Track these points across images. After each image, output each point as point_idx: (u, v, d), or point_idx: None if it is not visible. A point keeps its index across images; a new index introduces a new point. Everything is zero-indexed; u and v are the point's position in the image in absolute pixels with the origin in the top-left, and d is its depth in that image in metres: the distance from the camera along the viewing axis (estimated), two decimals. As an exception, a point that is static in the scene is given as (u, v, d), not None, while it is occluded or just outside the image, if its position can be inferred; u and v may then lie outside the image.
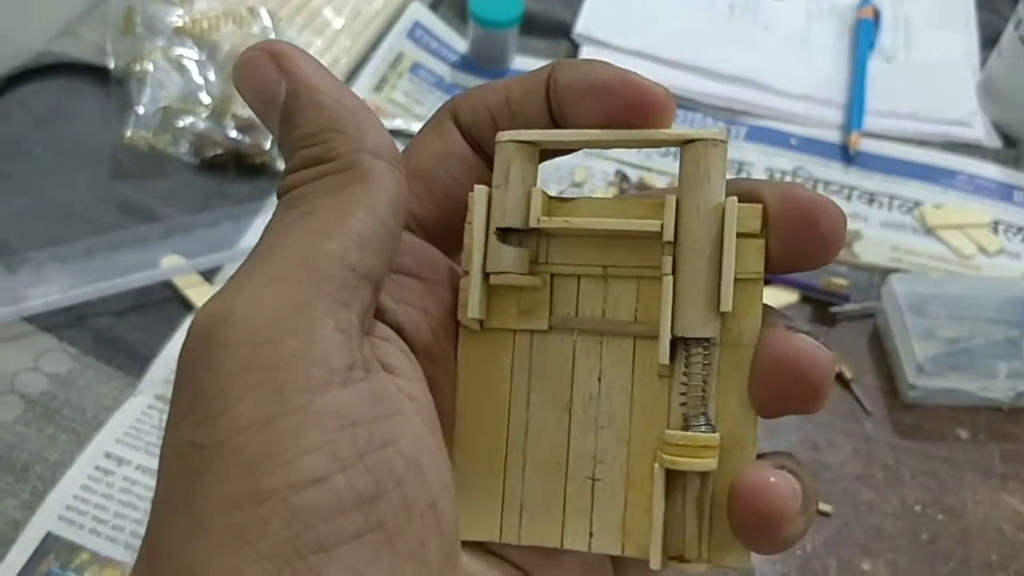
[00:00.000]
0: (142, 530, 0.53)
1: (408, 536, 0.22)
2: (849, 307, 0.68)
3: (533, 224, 0.26)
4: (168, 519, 0.21)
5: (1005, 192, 0.79)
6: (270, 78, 0.25)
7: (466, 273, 0.26)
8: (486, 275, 0.26)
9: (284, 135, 0.25)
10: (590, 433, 0.26)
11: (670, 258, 0.25)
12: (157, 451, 0.56)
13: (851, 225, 0.76)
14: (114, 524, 0.54)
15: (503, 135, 0.26)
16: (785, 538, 0.24)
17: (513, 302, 0.27)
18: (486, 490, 0.27)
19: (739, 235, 0.25)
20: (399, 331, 0.26)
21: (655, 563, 0.25)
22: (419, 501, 0.22)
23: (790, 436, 0.62)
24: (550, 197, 0.27)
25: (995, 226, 0.76)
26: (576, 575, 0.28)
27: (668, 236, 0.25)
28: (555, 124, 0.27)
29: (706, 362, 0.25)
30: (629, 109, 0.26)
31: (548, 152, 0.28)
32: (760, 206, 0.25)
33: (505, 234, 0.26)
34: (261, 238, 0.24)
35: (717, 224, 0.25)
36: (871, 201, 0.78)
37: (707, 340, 0.25)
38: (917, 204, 0.78)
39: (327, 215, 0.24)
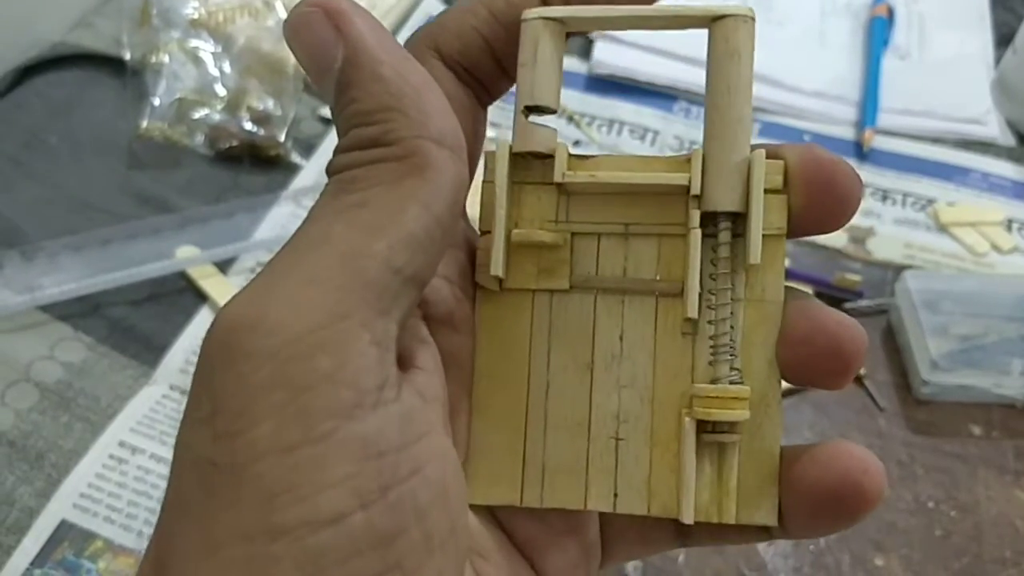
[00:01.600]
0: (155, 519, 0.54)
1: (426, 571, 0.21)
2: (862, 303, 0.68)
3: (558, 179, 0.25)
4: (180, 531, 0.20)
5: (1019, 190, 0.79)
6: (326, 40, 0.23)
7: (484, 232, 0.26)
8: (508, 234, 0.26)
9: (338, 106, 0.23)
10: (612, 393, 0.26)
11: (697, 212, 0.25)
12: (171, 440, 0.56)
13: (864, 222, 0.76)
14: (128, 512, 0.54)
15: (530, 12, 0.25)
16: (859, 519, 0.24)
17: (533, 261, 0.26)
18: (506, 453, 0.26)
19: (764, 191, 0.24)
20: (423, 304, 0.25)
21: (688, 518, 0.25)
22: (440, 531, 0.21)
23: (804, 432, 0.62)
24: (571, 155, 0.26)
25: (1009, 224, 0.76)
26: (573, 558, 0.28)
27: (695, 190, 0.25)
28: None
29: (733, 315, 0.25)
30: None
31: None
32: (782, 162, 0.25)
33: (526, 173, 0.26)
34: (307, 220, 0.23)
35: (743, 173, 0.24)
36: (884, 198, 0.78)
37: (735, 230, 0.25)
38: (931, 201, 0.78)
39: (379, 209, 0.22)
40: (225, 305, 0.21)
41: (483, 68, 0.26)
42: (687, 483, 0.25)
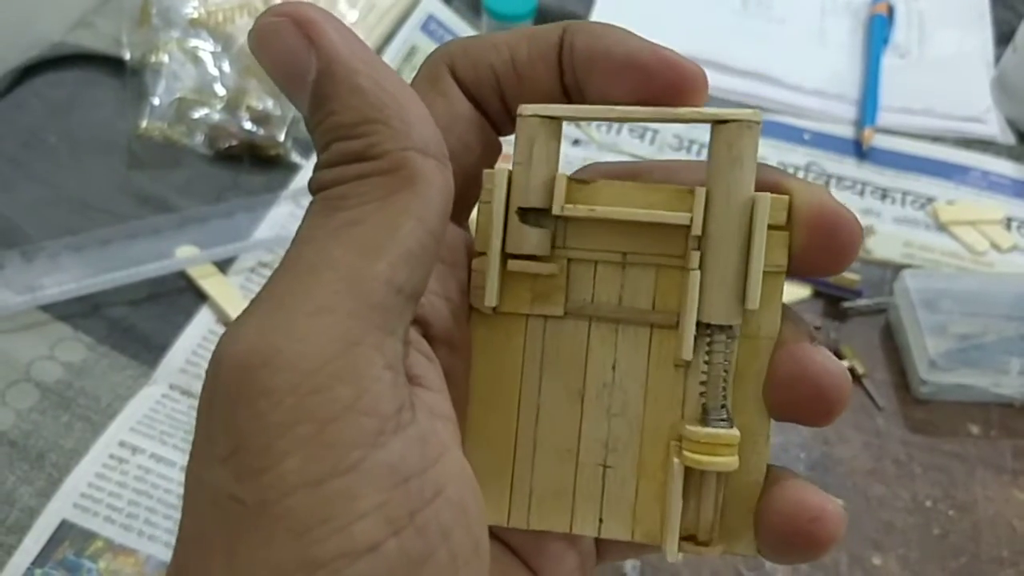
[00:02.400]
0: (156, 518, 0.54)
1: None
2: (861, 302, 0.68)
3: (557, 212, 0.25)
4: (205, 567, 0.20)
5: (1019, 188, 0.79)
6: (297, 50, 0.22)
7: (480, 254, 0.26)
8: (503, 259, 0.26)
9: (315, 119, 0.23)
10: (603, 420, 0.26)
11: (698, 253, 0.25)
12: (171, 440, 0.57)
13: (864, 221, 0.76)
14: (128, 512, 0.54)
15: (526, 109, 0.25)
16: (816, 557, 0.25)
17: (527, 287, 0.26)
18: (496, 474, 0.26)
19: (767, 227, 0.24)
20: (424, 324, 0.25)
21: (672, 556, 0.25)
22: (465, 549, 0.21)
23: (801, 431, 0.62)
24: (570, 179, 0.26)
25: (1008, 222, 0.76)
26: (570, 563, 0.28)
27: (697, 230, 0.25)
28: (567, 92, 0.26)
29: (727, 354, 0.25)
30: (662, 88, 0.25)
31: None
32: (787, 198, 0.25)
33: (525, 213, 0.26)
34: (299, 243, 0.22)
35: (746, 214, 0.24)
36: (884, 197, 0.78)
37: (730, 327, 0.25)
38: (930, 200, 0.78)
39: (374, 227, 0.21)
40: (230, 337, 0.21)
41: (491, 106, 0.26)
42: (672, 525, 0.25)
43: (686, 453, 0.25)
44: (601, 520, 0.26)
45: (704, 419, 0.25)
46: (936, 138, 0.82)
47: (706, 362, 0.25)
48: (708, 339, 0.25)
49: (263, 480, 0.19)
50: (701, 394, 0.25)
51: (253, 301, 0.22)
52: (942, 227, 0.76)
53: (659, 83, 0.25)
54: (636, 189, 0.26)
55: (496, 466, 0.26)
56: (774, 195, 0.24)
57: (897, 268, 0.70)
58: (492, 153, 0.27)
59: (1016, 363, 0.63)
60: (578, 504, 0.26)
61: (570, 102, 0.26)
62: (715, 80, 0.84)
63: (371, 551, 0.20)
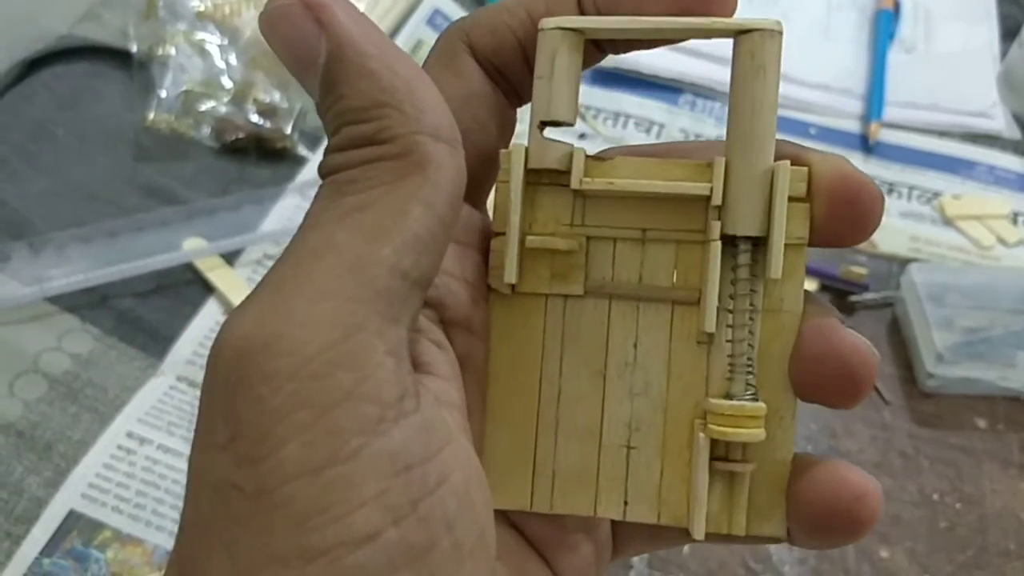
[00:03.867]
0: (163, 508, 0.54)
1: None
2: (868, 296, 0.68)
3: (575, 186, 0.25)
4: (206, 556, 0.20)
5: (1025, 183, 0.79)
6: (307, 34, 0.22)
7: (497, 234, 0.26)
8: (522, 238, 0.25)
9: (326, 103, 0.22)
10: (625, 400, 0.26)
11: (718, 223, 0.24)
12: (178, 431, 0.57)
13: (870, 215, 0.76)
14: (136, 502, 0.54)
15: (547, 22, 0.24)
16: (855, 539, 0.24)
17: (546, 265, 0.26)
18: (517, 458, 0.26)
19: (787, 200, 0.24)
20: (439, 306, 0.25)
21: (699, 534, 0.25)
22: (469, 539, 0.21)
23: (809, 424, 0.62)
24: (588, 156, 0.25)
25: (1014, 217, 0.76)
26: (586, 556, 0.28)
27: (717, 200, 0.24)
28: (592, 41, 0.25)
29: (752, 326, 0.25)
30: (693, 4, 0.24)
31: (588, 59, 0.26)
32: (806, 170, 0.24)
33: (542, 175, 0.25)
34: (305, 228, 0.22)
35: (767, 176, 0.24)
36: (890, 191, 0.78)
37: (756, 240, 0.25)
38: (936, 194, 0.78)
39: (382, 211, 0.21)
40: (230, 323, 0.21)
41: (514, 70, 0.25)
42: (699, 500, 0.25)
43: (711, 426, 0.24)
44: (626, 503, 0.26)
45: (728, 394, 0.25)
46: (942, 133, 0.82)
47: (729, 339, 0.25)
48: (730, 311, 0.25)
49: (261, 468, 0.19)
50: (728, 374, 0.25)
51: (256, 287, 0.21)
52: (948, 221, 0.76)
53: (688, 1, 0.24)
54: (654, 164, 0.25)
55: (518, 449, 0.26)
56: (793, 167, 0.24)
57: (904, 262, 0.70)
58: (508, 131, 0.27)
59: (1023, 356, 0.63)
60: (602, 487, 0.26)
61: (594, 51, 0.26)
62: (722, 75, 0.84)
63: (370, 540, 0.19)
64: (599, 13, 0.25)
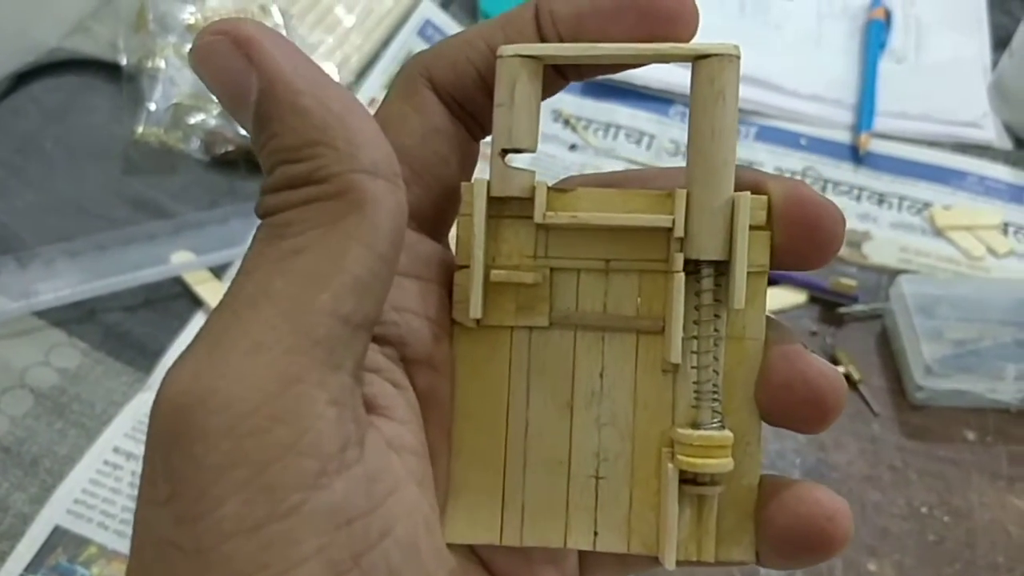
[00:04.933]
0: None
1: None
2: (857, 308, 0.68)
3: (539, 220, 0.25)
4: None
5: (1015, 194, 0.79)
6: (237, 69, 0.21)
7: (461, 267, 0.25)
8: (486, 272, 0.25)
9: (259, 140, 0.22)
10: (593, 431, 0.26)
11: (681, 256, 0.25)
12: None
13: (860, 226, 0.76)
14: (122, 518, 0.54)
15: (506, 49, 0.24)
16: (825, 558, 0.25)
17: (511, 298, 0.26)
18: (486, 491, 0.26)
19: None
20: (400, 345, 0.24)
21: (670, 564, 0.25)
22: None
23: (797, 437, 0.62)
24: (549, 188, 0.25)
25: (1005, 228, 0.76)
26: None
27: (679, 232, 0.24)
28: (554, 68, 0.25)
29: (716, 354, 0.25)
30: (656, 24, 0.24)
31: (551, 86, 0.26)
32: (766, 198, 0.25)
33: (504, 206, 0.25)
34: (241, 275, 0.21)
35: (728, 207, 0.24)
36: (880, 202, 0.78)
37: (717, 331, 0.25)
38: (927, 205, 0.78)
39: (319, 255, 0.21)
40: (169, 377, 0.20)
41: (476, 103, 0.25)
42: (669, 530, 0.25)
43: (680, 457, 0.25)
44: (596, 533, 0.26)
45: (695, 423, 0.25)
46: (933, 143, 0.82)
47: (694, 366, 0.25)
48: (695, 340, 0.25)
49: (199, 527, 0.19)
50: (694, 403, 0.25)
51: (195, 338, 0.21)
52: (939, 232, 0.76)
53: (651, 20, 0.24)
54: (616, 195, 0.25)
55: (486, 483, 0.26)
56: (753, 196, 0.24)
57: (893, 273, 0.70)
58: (470, 164, 0.27)
59: (1012, 369, 0.63)
60: (572, 517, 0.26)
61: (557, 77, 0.26)
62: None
63: None
64: (561, 40, 0.25)
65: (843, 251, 0.73)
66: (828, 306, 0.69)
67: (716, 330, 0.25)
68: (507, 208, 0.25)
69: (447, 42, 0.25)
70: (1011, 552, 0.57)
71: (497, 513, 0.26)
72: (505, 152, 0.25)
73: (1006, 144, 0.82)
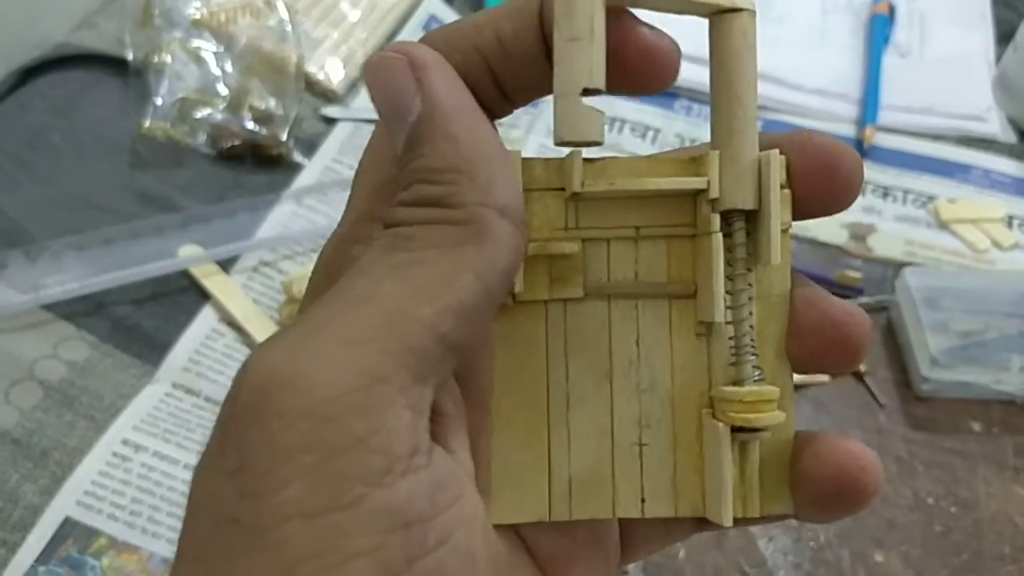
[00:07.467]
0: (159, 516, 0.54)
1: None
2: (863, 300, 0.69)
3: (576, 189, 0.25)
4: None
5: (1020, 187, 0.79)
6: (405, 89, 0.23)
7: None
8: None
9: (405, 157, 0.23)
10: (633, 398, 0.26)
11: (717, 216, 0.25)
12: (174, 438, 0.57)
13: (865, 219, 0.76)
14: (131, 510, 0.54)
15: None
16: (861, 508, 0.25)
17: (545, 271, 0.26)
18: (531, 469, 0.26)
19: None
20: None
21: (727, 521, 0.25)
22: None
23: (801, 426, 0.62)
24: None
25: (1009, 221, 0.76)
26: (595, 568, 0.27)
27: (715, 192, 0.25)
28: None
29: (750, 308, 0.25)
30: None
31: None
32: (785, 158, 0.25)
33: (531, 179, 0.25)
34: (354, 273, 0.22)
35: (755, 167, 0.24)
36: (885, 195, 0.78)
37: (750, 286, 0.25)
38: (931, 198, 0.78)
39: (432, 272, 0.21)
40: (260, 352, 0.21)
41: (483, 90, 0.25)
42: (725, 487, 0.25)
43: (732, 414, 0.25)
44: (643, 500, 0.26)
45: (737, 380, 0.25)
46: (937, 137, 0.82)
47: (729, 321, 0.25)
48: (728, 296, 0.25)
49: (262, 504, 0.19)
50: (732, 359, 0.25)
51: (295, 321, 0.22)
52: (943, 225, 0.76)
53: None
54: (643, 162, 0.25)
55: (531, 461, 0.26)
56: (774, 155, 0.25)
57: (898, 266, 0.70)
58: None
59: (1017, 360, 0.63)
60: (619, 487, 0.26)
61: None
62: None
63: None
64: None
65: (848, 244, 0.73)
66: (833, 299, 0.69)
67: (750, 285, 0.25)
68: (534, 181, 0.25)
69: (455, 27, 0.25)
70: (1017, 542, 0.57)
71: (544, 489, 0.26)
72: (587, 92, 0.23)
73: (1010, 137, 0.83)
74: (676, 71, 0.24)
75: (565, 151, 0.25)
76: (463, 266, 0.22)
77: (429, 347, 0.21)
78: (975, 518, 0.59)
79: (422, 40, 0.25)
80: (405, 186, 0.23)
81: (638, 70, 0.24)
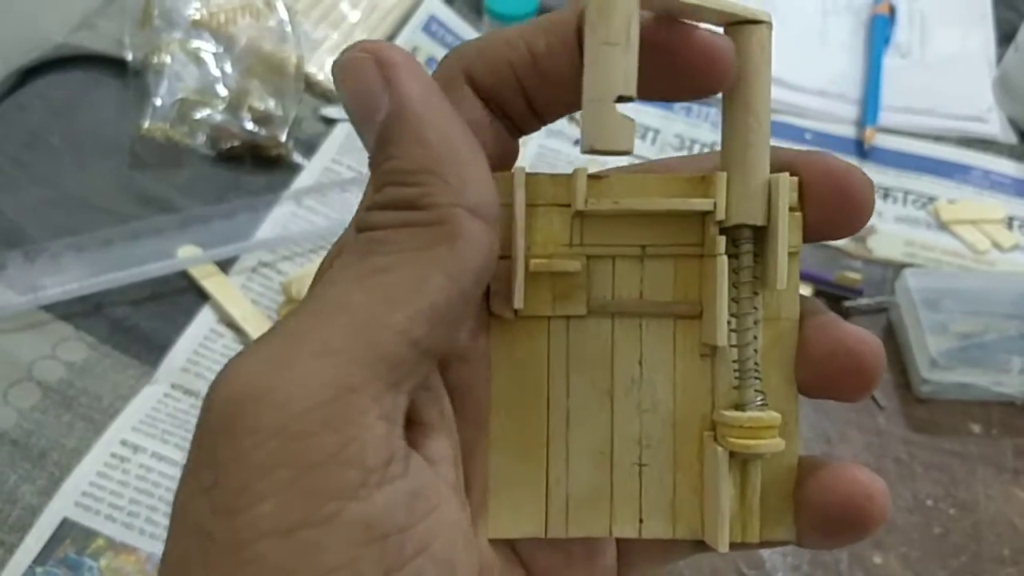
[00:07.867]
0: (157, 516, 0.54)
1: None
2: (863, 301, 0.68)
3: (580, 207, 0.24)
4: None
5: (1020, 188, 0.79)
6: (373, 89, 0.22)
7: (501, 258, 0.25)
8: (525, 262, 0.25)
9: (376, 159, 0.23)
10: (634, 418, 0.26)
11: (723, 238, 0.24)
12: (172, 439, 0.57)
13: (865, 220, 0.76)
14: (130, 510, 0.54)
15: None
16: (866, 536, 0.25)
17: (548, 287, 0.25)
18: (528, 484, 0.26)
19: None
20: None
21: (723, 547, 0.25)
22: None
23: (803, 431, 0.62)
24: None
25: (1010, 222, 0.76)
26: None
27: (721, 215, 0.24)
28: None
29: (755, 332, 0.25)
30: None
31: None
32: (797, 179, 0.24)
33: (536, 195, 0.25)
34: (325, 282, 0.22)
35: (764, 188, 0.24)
36: (886, 196, 0.78)
37: (756, 309, 0.25)
38: (932, 199, 0.78)
39: (403, 276, 0.21)
40: (231, 367, 0.21)
41: (513, 107, 0.25)
42: (722, 513, 0.25)
43: (731, 439, 0.24)
44: (641, 520, 0.26)
45: (739, 404, 0.25)
46: (938, 137, 0.82)
47: (734, 345, 0.25)
48: (734, 319, 0.25)
49: (237, 521, 0.19)
50: (735, 383, 0.25)
51: (266, 333, 0.21)
52: (943, 226, 0.76)
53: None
54: (650, 180, 0.25)
55: (528, 476, 0.26)
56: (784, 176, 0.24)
57: (898, 267, 0.70)
58: (509, 161, 0.26)
59: (1017, 362, 0.63)
60: (616, 506, 0.26)
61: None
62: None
63: None
64: None
65: (848, 245, 0.73)
66: (833, 300, 0.69)
67: (755, 308, 0.25)
68: (539, 197, 0.25)
69: (488, 40, 0.25)
70: (1016, 544, 0.57)
71: (541, 506, 0.26)
72: (621, 99, 0.22)
73: (1011, 138, 0.82)
74: (736, 69, 0.24)
75: (573, 148, 0.24)
76: (434, 268, 0.21)
77: (403, 353, 0.21)
78: (974, 520, 0.59)
79: (452, 52, 0.25)
80: (377, 188, 0.23)
81: (702, 72, 0.23)
